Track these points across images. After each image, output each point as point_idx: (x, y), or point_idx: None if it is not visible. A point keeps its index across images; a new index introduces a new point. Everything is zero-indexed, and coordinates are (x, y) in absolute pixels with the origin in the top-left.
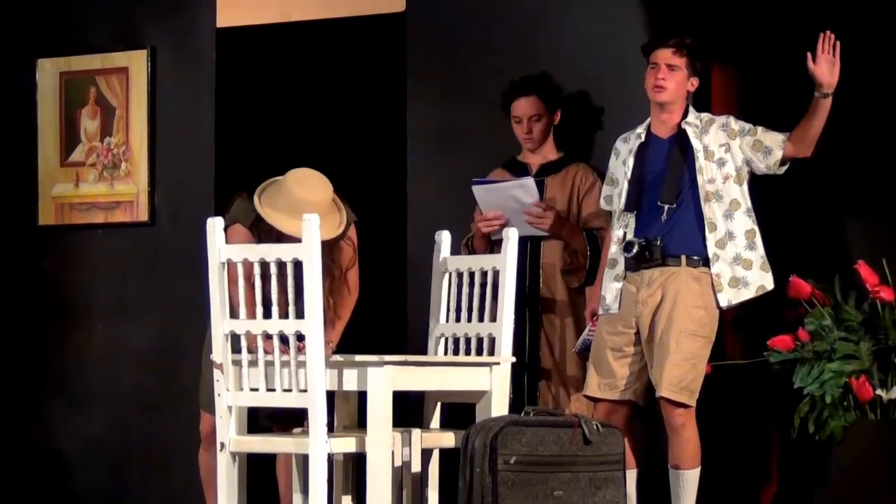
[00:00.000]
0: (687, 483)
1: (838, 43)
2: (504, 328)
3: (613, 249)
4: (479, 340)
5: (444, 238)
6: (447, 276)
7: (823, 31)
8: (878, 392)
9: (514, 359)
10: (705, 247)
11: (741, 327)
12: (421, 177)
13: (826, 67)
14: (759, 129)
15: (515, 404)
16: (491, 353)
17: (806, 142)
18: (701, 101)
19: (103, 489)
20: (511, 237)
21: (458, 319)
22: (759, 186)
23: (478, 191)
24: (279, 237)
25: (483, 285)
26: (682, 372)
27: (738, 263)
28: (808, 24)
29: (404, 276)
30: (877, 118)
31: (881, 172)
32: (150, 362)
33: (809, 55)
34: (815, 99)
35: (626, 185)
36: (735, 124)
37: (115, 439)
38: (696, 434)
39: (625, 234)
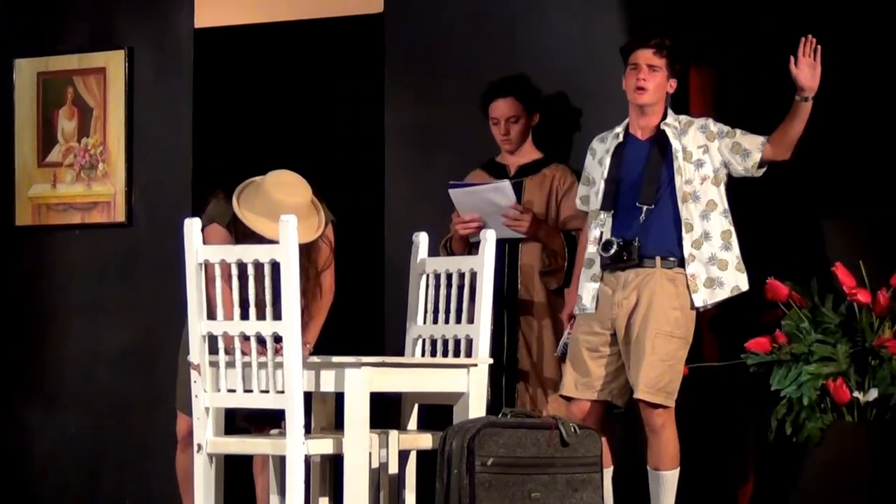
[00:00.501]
0: (666, 484)
1: (819, 47)
2: (481, 330)
3: (591, 249)
4: (457, 342)
5: (422, 239)
6: (425, 277)
7: (805, 35)
8: (856, 394)
9: (491, 360)
10: (681, 247)
11: (718, 329)
12: (398, 178)
13: (807, 71)
14: (738, 131)
15: (493, 406)
16: (468, 354)
17: (785, 144)
18: (679, 103)
19: (79, 491)
20: (489, 238)
21: (435, 321)
22: (738, 188)
23: (454, 194)
24: (258, 238)
25: (461, 287)
26: (658, 373)
27: (714, 264)
28: (788, 27)
29: (382, 278)
30: (855, 120)
31: (858, 175)
32: (126, 363)
33: (792, 59)
34: (796, 102)
35: (602, 185)
36: (714, 126)
37: (91, 441)
38: (676, 435)
39: (601, 233)
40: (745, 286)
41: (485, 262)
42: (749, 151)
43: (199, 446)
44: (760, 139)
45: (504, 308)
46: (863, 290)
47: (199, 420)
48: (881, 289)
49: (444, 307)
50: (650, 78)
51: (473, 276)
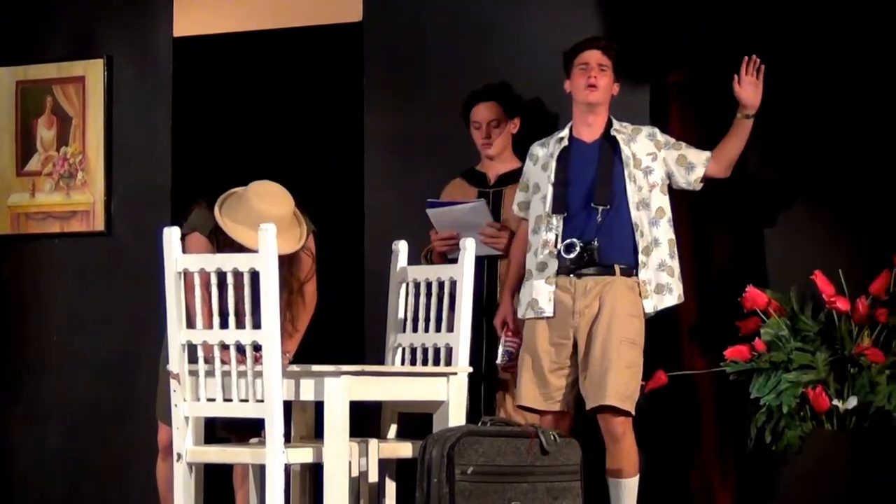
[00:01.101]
0: (629, 491)
1: (762, 66)
2: (461, 338)
3: (544, 252)
4: (437, 351)
5: (402, 247)
6: (404, 286)
7: (749, 55)
8: (835, 402)
9: (471, 369)
10: (636, 254)
11: (698, 337)
12: (378, 186)
13: (750, 90)
14: (684, 144)
15: (472, 415)
16: (448, 363)
17: (725, 162)
18: (661, 118)
19: (59, 500)
20: (468, 248)
21: (415, 329)
22: (715, 197)
23: (432, 213)
24: (239, 248)
25: (440, 295)
26: (625, 380)
27: (663, 270)
28: (749, 46)
29: (361, 286)
30: (833, 129)
31: (837, 183)
32: (106, 372)
33: (735, 77)
34: (738, 120)
35: (551, 189)
36: (661, 136)
37: (72, 450)
38: (635, 442)
39: (556, 237)
40: (682, 296)
41: (464, 271)
42: (694, 165)
43: (179, 455)
44: (705, 154)
45: (483, 317)
46: (842, 299)
47: (179, 429)
48: (860, 297)
49: (423, 316)
50: (601, 76)
51: (453, 284)
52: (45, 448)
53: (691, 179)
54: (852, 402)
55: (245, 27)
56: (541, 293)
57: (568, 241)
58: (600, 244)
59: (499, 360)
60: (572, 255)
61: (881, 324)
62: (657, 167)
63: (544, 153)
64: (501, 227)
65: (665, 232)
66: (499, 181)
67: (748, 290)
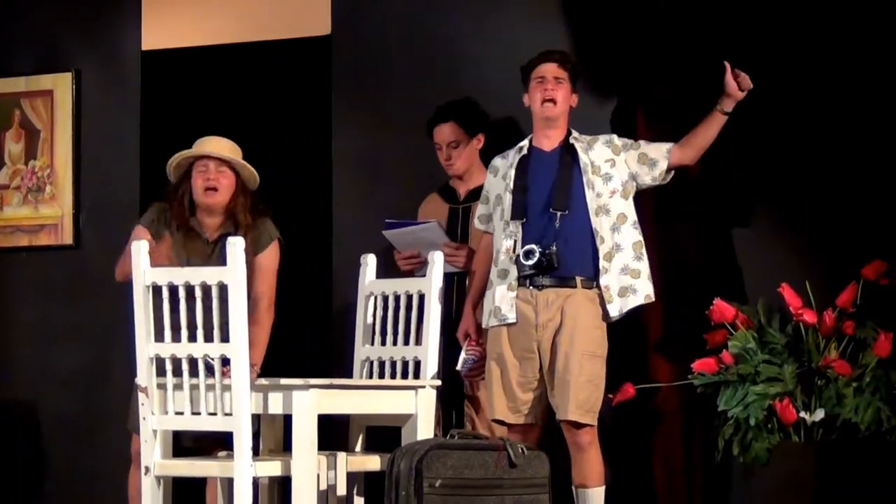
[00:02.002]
0: (595, 501)
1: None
2: (429, 352)
3: (503, 259)
4: (405, 364)
5: (370, 261)
6: (373, 299)
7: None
8: (802, 414)
9: (439, 382)
10: (596, 263)
11: (665, 350)
12: (346, 200)
13: (745, 86)
14: (642, 142)
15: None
16: (416, 376)
17: (696, 149)
18: (629, 133)
19: None
20: (436, 261)
21: (383, 343)
22: (683, 209)
23: (389, 235)
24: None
25: (408, 308)
26: (587, 394)
27: (626, 273)
28: (733, 53)
29: (330, 300)
30: (797, 142)
31: (804, 196)
32: (74, 385)
33: (729, 68)
34: (716, 114)
35: (510, 196)
36: (618, 140)
37: (41, 463)
38: (600, 452)
39: (515, 242)
40: (653, 296)
41: (432, 285)
42: (656, 161)
43: (147, 469)
44: (665, 147)
45: (453, 331)
46: (809, 311)
47: (147, 442)
48: (827, 309)
49: (392, 329)
50: (558, 89)
51: (421, 297)
52: (14, 461)
53: (656, 175)
54: (819, 414)
55: (213, 41)
56: (503, 300)
57: (527, 247)
58: (559, 250)
59: (459, 367)
60: (532, 262)
61: (848, 336)
62: (616, 173)
63: (504, 164)
64: (458, 246)
65: (629, 236)
66: (469, 196)
67: (715, 303)
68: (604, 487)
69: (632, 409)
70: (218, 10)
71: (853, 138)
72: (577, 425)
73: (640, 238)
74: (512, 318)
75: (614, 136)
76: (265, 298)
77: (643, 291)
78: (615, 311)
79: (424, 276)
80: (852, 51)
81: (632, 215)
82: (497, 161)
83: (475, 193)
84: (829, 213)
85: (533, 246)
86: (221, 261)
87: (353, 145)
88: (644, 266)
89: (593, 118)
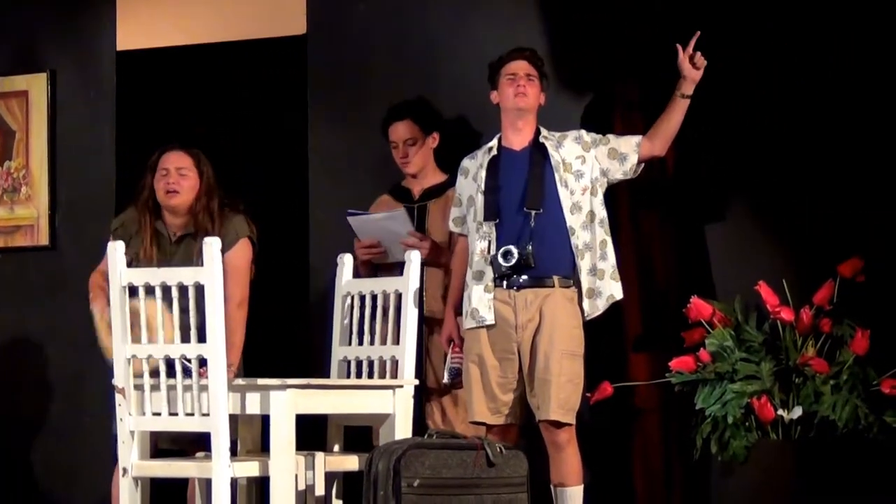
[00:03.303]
0: (573, 500)
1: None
2: (407, 351)
3: (477, 260)
4: (382, 363)
5: (347, 261)
6: (349, 298)
7: (697, 34)
8: (780, 412)
9: (417, 381)
10: (573, 261)
11: (643, 348)
12: (322, 199)
13: (700, 66)
14: (611, 136)
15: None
16: (394, 375)
17: (662, 140)
18: (605, 130)
19: None
20: (413, 260)
21: (360, 342)
22: (660, 206)
23: (353, 221)
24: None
25: (385, 308)
26: (567, 394)
27: (594, 274)
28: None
29: (306, 299)
30: (773, 140)
31: (780, 193)
32: (51, 387)
33: (681, 50)
34: (676, 100)
35: (481, 197)
36: (587, 136)
37: (18, 466)
38: (578, 451)
39: (490, 243)
40: (619, 295)
41: (409, 284)
42: (626, 155)
43: (125, 470)
44: (635, 140)
45: (423, 327)
46: (786, 309)
47: (125, 443)
48: (804, 307)
49: (369, 329)
50: (529, 85)
51: (398, 297)
52: None
53: (627, 169)
54: (797, 412)
55: (189, 40)
56: (480, 302)
57: (504, 248)
58: (535, 249)
59: (445, 380)
60: (511, 263)
61: (825, 334)
62: (587, 170)
63: (473, 165)
64: (422, 237)
65: (597, 235)
66: (423, 196)
67: (693, 301)
68: (582, 486)
69: (610, 407)
70: (193, 10)
71: (830, 136)
72: (557, 424)
73: (607, 236)
74: (490, 319)
75: (583, 132)
76: (235, 297)
77: (606, 292)
78: (587, 310)
79: (384, 264)
80: (827, 52)
81: (600, 213)
82: (466, 162)
83: (430, 192)
84: (806, 211)
85: (511, 247)
86: (183, 261)
87: (329, 145)
88: (608, 265)
89: (569, 115)
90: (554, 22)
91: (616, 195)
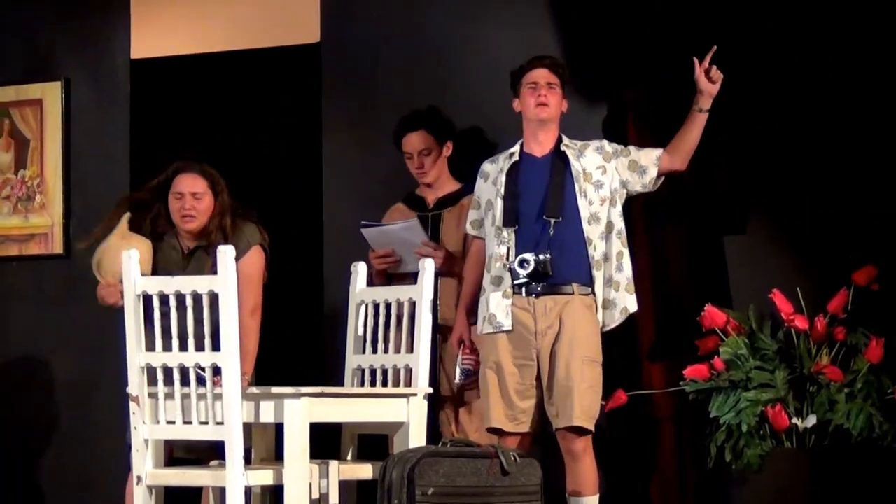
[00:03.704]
0: None
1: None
2: (421, 359)
3: (497, 266)
4: (397, 371)
5: (360, 269)
6: (363, 307)
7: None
8: (794, 421)
9: (431, 389)
10: (590, 271)
11: (658, 356)
12: (336, 207)
13: (717, 80)
14: (633, 148)
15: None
16: (408, 384)
17: (683, 154)
18: (618, 135)
19: None
20: (427, 268)
21: (374, 351)
22: (675, 214)
23: (367, 233)
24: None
25: (399, 316)
26: (589, 401)
27: (610, 285)
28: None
29: (321, 308)
30: (788, 148)
31: (795, 201)
32: (65, 395)
33: (698, 64)
34: (694, 114)
35: (501, 203)
36: (609, 147)
37: (31, 472)
38: (594, 460)
39: (508, 250)
40: (633, 307)
41: (423, 292)
42: (646, 168)
43: (139, 478)
44: (655, 153)
45: (437, 337)
46: (800, 317)
47: (139, 452)
48: (818, 315)
49: (383, 337)
50: (550, 94)
51: (412, 305)
52: (5, 470)
53: (646, 181)
54: (811, 420)
55: (203, 49)
56: (498, 307)
57: (521, 256)
58: (554, 257)
59: (457, 380)
60: (527, 271)
61: (839, 342)
62: (607, 180)
63: (494, 169)
64: (436, 247)
65: (614, 246)
66: (437, 204)
67: (707, 309)
68: (598, 496)
69: (624, 415)
70: (207, 19)
71: (844, 143)
72: (577, 433)
73: (623, 248)
74: (507, 325)
75: (605, 142)
76: (248, 305)
77: (621, 304)
78: (602, 321)
79: (398, 273)
80: (845, 56)
81: (618, 224)
82: (487, 166)
83: (445, 201)
84: (821, 219)
85: (527, 255)
86: (195, 273)
87: (342, 152)
88: (623, 277)
89: (583, 122)
90: (566, 28)
91: (631, 203)
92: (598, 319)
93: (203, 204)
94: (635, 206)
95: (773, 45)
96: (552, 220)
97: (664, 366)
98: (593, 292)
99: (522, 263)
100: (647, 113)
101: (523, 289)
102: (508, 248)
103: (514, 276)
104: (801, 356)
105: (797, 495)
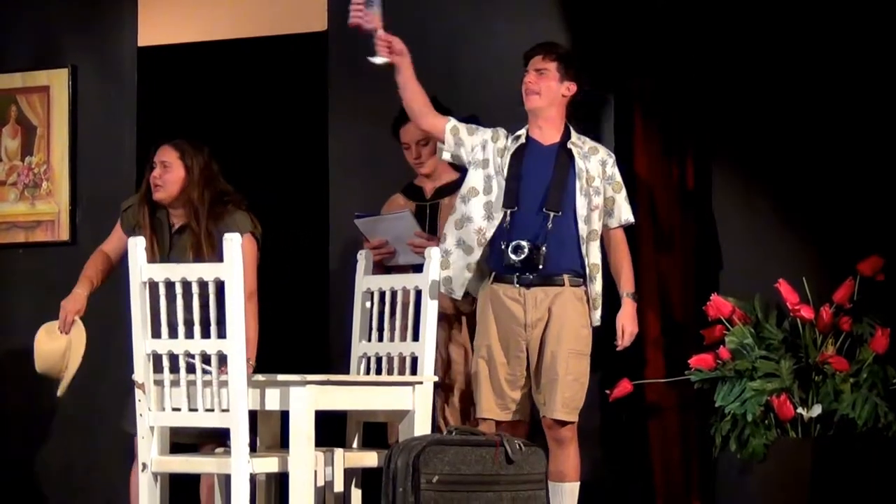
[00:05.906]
0: (570, 495)
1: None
2: (426, 347)
3: (472, 235)
4: (402, 359)
5: (366, 257)
6: (369, 295)
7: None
8: (799, 410)
9: (436, 378)
10: (583, 265)
11: (663, 346)
12: (343, 196)
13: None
14: (624, 191)
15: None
16: (413, 372)
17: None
18: (626, 123)
19: None
20: (433, 257)
21: (380, 339)
22: (680, 203)
23: (360, 224)
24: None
25: (405, 304)
26: (572, 393)
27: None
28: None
29: (326, 296)
30: (794, 137)
31: (801, 191)
32: (72, 382)
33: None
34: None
35: (502, 181)
36: (610, 169)
37: (37, 459)
38: (577, 448)
39: (496, 231)
40: (595, 322)
41: (429, 280)
42: (612, 213)
43: (144, 465)
44: (626, 217)
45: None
46: (806, 307)
47: (144, 439)
48: (824, 305)
49: (388, 325)
50: (538, 80)
51: (418, 293)
52: (8, 459)
53: (605, 221)
54: (816, 410)
55: (210, 37)
56: (456, 276)
57: (515, 242)
58: (549, 249)
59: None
60: (520, 257)
61: (845, 332)
62: (601, 191)
63: (503, 142)
64: (429, 237)
65: (591, 255)
66: (436, 194)
67: (712, 299)
68: (579, 483)
69: (629, 404)
70: (214, 6)
71: (850, 134)
72: (561, 422)
73: (598, 262)
74: (459, 294)
75: (610, 161)
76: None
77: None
78: (595, 319)
79: (396, 266)
80: (849, 47)
81: (599, 235)
82: (501, 131)
83: (443, 190)
84: (826, 209)
85: (523, 242)
86: (179, 251)
87: (349, 141)
88: (594, 289)
89: (591, 112)
90: (572, 18)
91: (636, 192)
92: (594, 316)
93: (171, 174)
94: (641, 194)
95: (782, 30)
96: (552, 214)
97: (669, 355)
98: (585, 284)
99: (517, 250)
100: (654, 102)
101: (515, 279)
102: (497, 228)
103: (505, 258)
104: (807, 346)
105: (802, 485)
